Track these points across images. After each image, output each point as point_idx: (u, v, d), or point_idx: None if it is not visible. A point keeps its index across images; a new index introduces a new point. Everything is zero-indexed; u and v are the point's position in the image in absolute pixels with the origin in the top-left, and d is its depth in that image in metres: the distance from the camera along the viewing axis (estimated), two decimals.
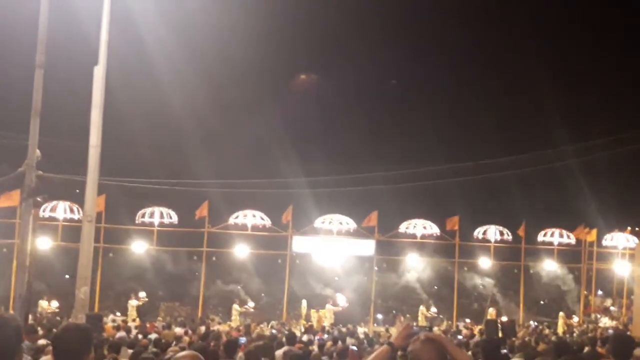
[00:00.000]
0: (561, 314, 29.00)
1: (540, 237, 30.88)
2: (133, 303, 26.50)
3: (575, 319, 29.99)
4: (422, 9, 39.39)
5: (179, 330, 18.60)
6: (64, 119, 25.65)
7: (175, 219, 29.26)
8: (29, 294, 13.78)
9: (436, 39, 42.31)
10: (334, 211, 29.93)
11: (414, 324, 16.91)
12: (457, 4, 39.40)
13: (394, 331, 20.54)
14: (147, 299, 27.16)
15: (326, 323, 25.78)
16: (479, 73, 41.59)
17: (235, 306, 27.50)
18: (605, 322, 29.41)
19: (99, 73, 14.93)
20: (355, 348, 13.42)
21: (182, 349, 10.13)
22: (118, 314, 26.97)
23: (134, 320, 24.76)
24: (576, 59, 41.90)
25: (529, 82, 38.53)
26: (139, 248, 29.43)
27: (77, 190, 23.49)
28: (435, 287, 33.97)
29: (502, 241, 30.47)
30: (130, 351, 10.25)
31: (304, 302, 28.86)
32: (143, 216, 29.12)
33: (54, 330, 12.48)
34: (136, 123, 33.13)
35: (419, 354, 3.22)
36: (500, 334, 12.11)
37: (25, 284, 13.80)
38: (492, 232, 30.25)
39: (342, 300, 28.25)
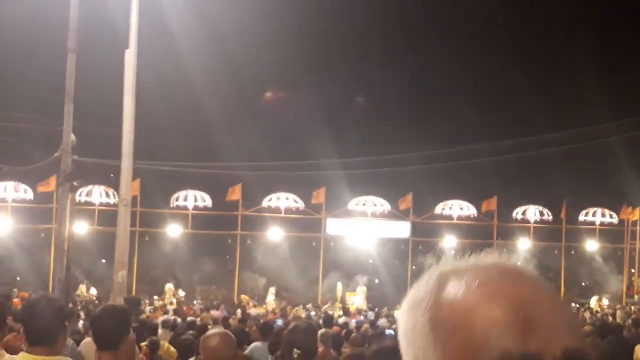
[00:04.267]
0: (595, 297, 28.33)
1: (582, 217, 30.08)
2: (167, 288, 26.68)
3: (605, 302, 29.15)
4: None
5: (215, 313, 18.62)
6: (97, 103, 25.78)
7: (209, 202, 29.31)
8: (67, 278, 13.91)
9: (473, 16, 41.32)
10: (368, 193, 29.60)
11: None
12: None
13: None
14: (183, 298, 27.18)
15: (363, 306, 25.60)
16: (518, 49, 40.57)
17: (272, 288, 27.51)
18: None
19: (130, 57, 14.83)
20: (392, 332, 13.15)
21: None
22: (155, 297, 27.22)
23: (171, 303, 24.94)
24: (620, 33, 40.53)
25: (571, 57, 37.41)
26: (174, 231, 29.60)
27: (112, 175, 23.64)
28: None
29: (541, 221, 29.76)
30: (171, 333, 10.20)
31: (339, 285, 28.71)
32: (177, 200, 29.23)
33: None
34: (168, 107, 33.21)
35: None
36: None
37: (64, 268, 13.92)
38: (532, 212, 29.54)
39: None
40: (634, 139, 29.40)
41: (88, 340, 7.71)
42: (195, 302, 26.74)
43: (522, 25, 40.79)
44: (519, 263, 0.74)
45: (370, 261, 31.84)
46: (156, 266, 30.92)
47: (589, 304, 28.70)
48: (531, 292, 0.70)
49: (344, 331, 12.23)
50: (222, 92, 35.54)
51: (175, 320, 14.10)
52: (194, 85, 33.48)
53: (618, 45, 40.90)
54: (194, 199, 29.18)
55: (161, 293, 27.27)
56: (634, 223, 30.23)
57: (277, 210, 29.19)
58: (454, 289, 0.72)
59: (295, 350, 4.51)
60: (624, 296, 30.35)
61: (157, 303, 24.21)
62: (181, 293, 27.45)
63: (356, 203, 29.30)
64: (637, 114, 29.29)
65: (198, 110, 35.28)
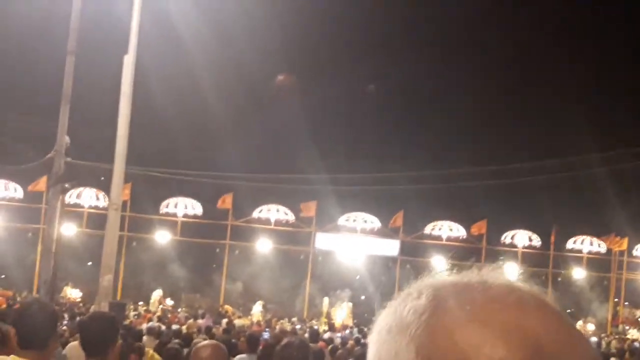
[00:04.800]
0: (579, 322, 28.41)
1: (570, 244, 30.25)
2: (156, 294, 26.50)
3: (591, 327, 29.25)
4: (454, 8, 38.91)
5: (200, 322, 18.51)
6: (90, 105, 25.73)
7: (199, 210, 29.20)
8: (54, 280, 13.81)
9: (465, 42, 41.79)
10: (359, 209, 29.62)
11: None
12: (490, 4, 38.86)
13: None
14: (170, 307, 26.99)
15: (348, 322, 25.52)
16: (510, 77, 40.96)
17: (260, 302, 27.35)
18: (633, 333, 28.67)
19: (128, 62, 14.84)
20: None
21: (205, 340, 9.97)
22: (140, 303, 27.03)
23: (156, 311, 24.75)
24: (608, 65, 41.03)
25: (561, 87, 37.88)
26: (162, 238, 29.46)
27: (102, 178, 23.57)
28: None
29: (530, 247, 29.88)
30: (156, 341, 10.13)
31: (326, 300, 28.61)
32: (167, 206, 29.11)
33: (78, 317, 12.43)
34: (164, 113, 33.17)
35: None
36: None
37: (51, 270, 13.83)
38: (521, 237, 29.66)
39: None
40: (623, 171, 29.68)
41: (74, 344, 7.66)
42: (180, 309, 26.54)
43: (517, 50, 41.22)
44: (533, 287, 0.59)
45: (358, 277, 31.79)
46: (142, 272, 30.73)
47: None
48: (555, 329, 0.55)
49: (330, 347, 12.20)
50: (219, 101, 35.59)
51: (159, 327, 14.01)
52: (191, 94, 33.51)
53: (609, 76, 41.34)
54: (184, 206, 29.08)
55: (146, 299, 27.09)
56: (621, 253, 30.40)
57: (267, 221, 29.14)
58: (454, 315, 0.55)
59: None
60: (609, 325, 30.43)
61: (141, 309, 24.03)
62: (169, 302, 27.25)
63: (346, 219, 29.31)
64: (626, 145, 29.58)
65: (194, 117, 35.31)
